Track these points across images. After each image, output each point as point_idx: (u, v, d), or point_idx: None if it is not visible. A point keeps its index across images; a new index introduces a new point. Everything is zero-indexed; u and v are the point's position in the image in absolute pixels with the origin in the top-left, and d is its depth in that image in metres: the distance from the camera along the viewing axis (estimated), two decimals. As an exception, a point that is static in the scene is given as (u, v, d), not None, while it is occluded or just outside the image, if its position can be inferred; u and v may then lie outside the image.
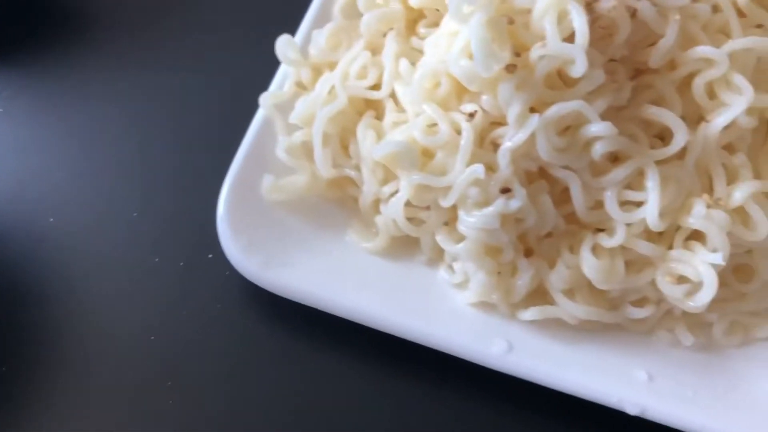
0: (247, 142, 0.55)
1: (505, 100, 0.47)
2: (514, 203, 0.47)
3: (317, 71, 0.58)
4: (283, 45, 0.58)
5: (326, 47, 0.58)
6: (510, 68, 0.46)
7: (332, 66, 0.57)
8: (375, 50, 0.56)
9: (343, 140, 0.56)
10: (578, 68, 0.45)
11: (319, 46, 0.58)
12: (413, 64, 0.54)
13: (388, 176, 0.53)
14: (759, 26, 0.51)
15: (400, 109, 0.53)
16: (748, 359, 0.51)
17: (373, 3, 0.58)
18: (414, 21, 0.57)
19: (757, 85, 0.50)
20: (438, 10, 0.55)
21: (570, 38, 0.46)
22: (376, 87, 0.55)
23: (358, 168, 0.55)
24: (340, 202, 0.57)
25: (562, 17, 0.46)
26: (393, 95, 0.54)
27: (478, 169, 0.47)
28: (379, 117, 0.55)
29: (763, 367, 0.51)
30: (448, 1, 0.47)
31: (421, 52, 0.55)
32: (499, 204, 0.47)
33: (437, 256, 0.54)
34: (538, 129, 0.46)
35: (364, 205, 0.55)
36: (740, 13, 0.50)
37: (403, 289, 0.53)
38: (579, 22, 0.45)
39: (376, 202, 0.54)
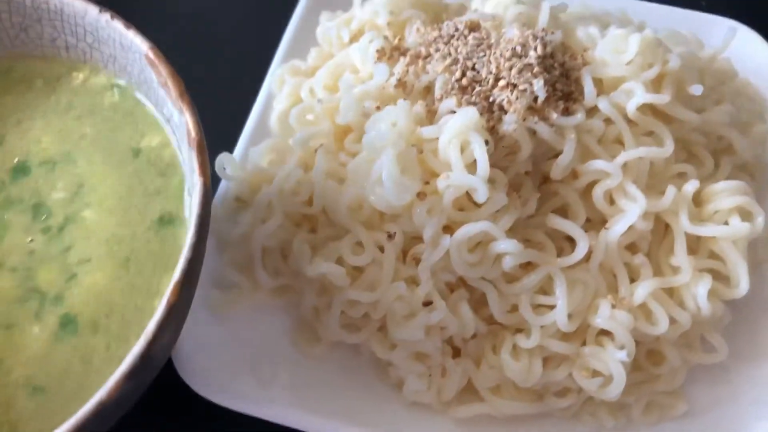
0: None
1: (420, 224, 0.51)
2: (436, 315, 0.52)
3: (255, 186, 0.62)
4: (222, 162, 0.61)
5: (263, 163, 0.62)
6: (421, 195, 0.51)
7: (269, 180, 0.61)
8: (307, 165, 0.61)
9: (283, 250, 0.60)
10: (480, 196, 0.49)
11: (255, 163, 0.62)
12: (341, 181, 0.58)
13: (323, 288, 0.57)
14: (649, 133, 0.56)
15: (330, 223, 0.58)
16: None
17: (303, 119, 0.62)
18: (343, 134, 0.61)
19: (652, 187, 0.55)
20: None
21: (474, 164, 0.51)
22: (309, 201, 0.59)
23: (296, 276, 0.59)
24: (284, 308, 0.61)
25: (464, 146, 0.51)
26: (324, 210, 0.58)
27: (401, 286, 0.52)
28: (314, 229, 0.59)
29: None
30: (364, 138, 0.52)
31: (343, 164, 0.59)
32: (422, 317, 0.52)
33: (374, 358, 0.58)
34: (451, 248, 0.51)
35: (305, 314, 0.59)
36: (632, 123, 0.55)
37: (348, 393, 0.56)
38: (479, 153, 0.50)
39: (315, 310, 0.58)
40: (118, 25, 0.49)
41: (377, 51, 0.60)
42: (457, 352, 0.55)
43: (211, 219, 0.46)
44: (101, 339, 0.45)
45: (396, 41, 0.62)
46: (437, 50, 0.58)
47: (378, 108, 0.57)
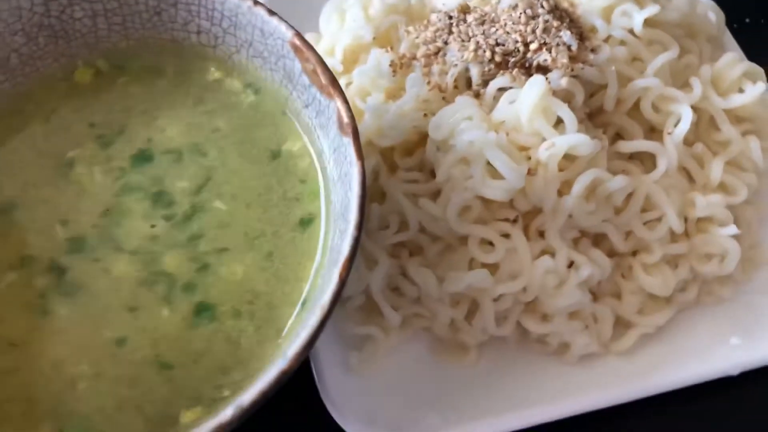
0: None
1: (538, 197, 0.54)
2: (584, 271, 0.55)
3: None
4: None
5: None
6: (530, 172, 0.53)
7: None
8: (373, 199, 0.60)
9: (390, 285, 0.59)
10: (586, 149, 0.53)
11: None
12: (418, 196, 0.58)
13: (456, 299, 0.57)
14: (651, 43, 0.62)
15: (436, 239, 0.58)
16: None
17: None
18: (388, 156, 0.61)
19: (676, 84, 0.62)
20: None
21: (555, 125, 0.54)
22: (402, 228, 0.58)
23: (417, 302, 0.59)
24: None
25: (546, 112, 0.54)
26: (422, 229, 0.58)
27: (546, 261, 0.54)
28: (414, 252, 0.59)
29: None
30: (458, 144, 0.52)
31: (415, 181, 0.59)
32: (573, 278, 0.54)
33: (522, 338, 0.60)
34: (573, 206, 0.54)
35: (441, 331, 0.59)
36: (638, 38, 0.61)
37: (517, 381, 0.58)
38: (567, 114, 0.53)
39: (452, 324, 0.58)
40: (260, 11, 0.50)
41: (390, 65, 0.60)
42: (594, 297, 0.59)
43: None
44: (247, 323, 0.48)
45: (391, 52, 0.63)
46: (446, 42, 0.60)
47: (425, 116, 0.58)
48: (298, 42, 0.49)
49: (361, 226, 0.43)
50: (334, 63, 0.65)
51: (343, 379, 0.56)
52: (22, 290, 0.49)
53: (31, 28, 0.53)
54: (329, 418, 0.55)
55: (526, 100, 0.54)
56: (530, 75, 0.57)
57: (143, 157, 0.53)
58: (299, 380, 0.56)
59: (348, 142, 0.46)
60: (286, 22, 0.50)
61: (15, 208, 0.51)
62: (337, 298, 0.42)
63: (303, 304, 0.48)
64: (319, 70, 0.48)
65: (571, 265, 0.55)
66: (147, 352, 0.46)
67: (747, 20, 0.81)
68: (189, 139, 0.53)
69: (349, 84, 0.64)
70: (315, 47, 0.62)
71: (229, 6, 0.51)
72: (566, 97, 0.57)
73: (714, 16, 0.71)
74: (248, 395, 0.39)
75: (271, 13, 0.50)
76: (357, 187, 0.44)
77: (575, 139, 0.52)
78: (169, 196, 0.51)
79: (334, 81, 0.48)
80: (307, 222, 0.51)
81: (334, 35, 0.66)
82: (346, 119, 0.46)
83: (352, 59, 0.65)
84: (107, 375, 0.46)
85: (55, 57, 0.55)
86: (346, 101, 0.47)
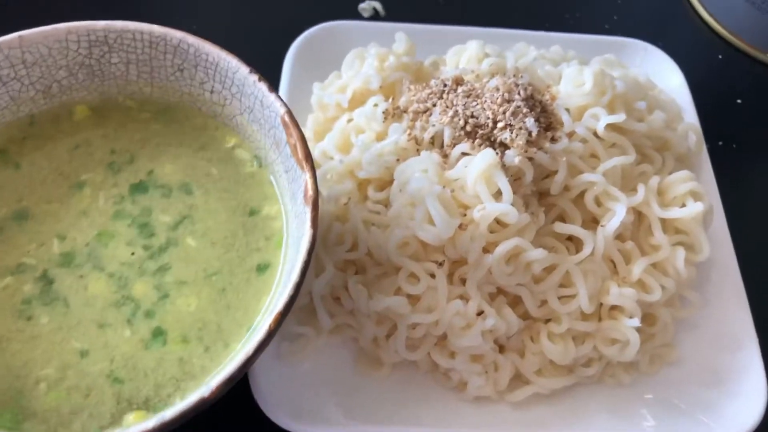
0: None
1: (464, 249, 0.62)
2: (489, 321, 0.63)
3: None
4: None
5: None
6: (462, 226, 0.62)
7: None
8: (338, 218, 0.70)
9: (332, 294, 0.69)
10: (512, 218, 0.61)
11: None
12: (373, 224, 0.68)
13: (380, 319, 0.67)
14: (613, 145, 0.70)
15: (378, 263, 0.67)
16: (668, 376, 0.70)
17: (325, 179, 0.72)
18: (364, 187, 0.71)
19: (624, 187, 0.69)
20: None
21: (497, 194, 0.63)
22: (352, 248, 0.68)
23: (351, 314, 0.68)
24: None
25: (488, 181, 0.63)
26: (369, 253, 0.68)
27: (458, 304, 0.62)
28: (359, 270, 0.69)
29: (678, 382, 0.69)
30: (408, 188, 0.62)
31: (377, 213, 0.69)
32: (478, 325, 0.63)
33: (432, 369, 0.68)
34: (493, 264, 0.62)
35: (364, 345, 0.68)
36: (600, 139, 0.69)
37: (416, 402, 0.66)
38: (504, 185, 0.62)
39: (375, 340, 0.68)
40: (263, 86, 0.58)
41: (384, 112, 0.71)
42: (502, 349, 0.67)
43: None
44: (196, 345, 0.54)
45: (391, 102, 0.73)
46: (434, 105, 0.70)
47: (398, 161, 0.68)
48: (287, 118, 0.56)
49: (299, 286, 0.49)
50: (342, 100, 0.76)
51: (270, 364, 0.66)
52: (12, 294, 0.55)
53: (74, 66, 0.62)
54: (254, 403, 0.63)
55: (474, 166, 0.63)
56: (492, 148, 0.66)
57: (141, 188, 0.60)
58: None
59: (307, 211, 0.52)
60: (281, 99, 0.57)
61: (26, 218, 0.58)
62: (263, 346, 0.48)
63: (253, 330, 0.54)
64: (298, 146, 0.55)
65: (480, 314, 0.64)
66: (104, 366, 0.52)
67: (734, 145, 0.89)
68: (182, 177, 0.61)
69: (350, 120, 0.75)
70: (335, 84, 0.75)
71: (239, 77, 0.59)
72: (517, 173, 0.66)
73: (693, 137, 0.78)
74: (169, 412, 0.45)
75: (271, 89, 0.58)
76: (304, 252, 0.50)
77: (504, 208, 0.61)
78: (152, 228, 0.58)
79: (308, 157, 0.55)
80: (263, 268, 0.57)
81: (351, 78, 0.77)
82: (310, 191, 0.53)
83: (359, 100, 0.75)
84: (66, 382, 0.51)
85: (89, 91, 0.64)
86: (314, 176, 0.54)
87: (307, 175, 0.54)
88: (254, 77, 0.59)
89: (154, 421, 0.45)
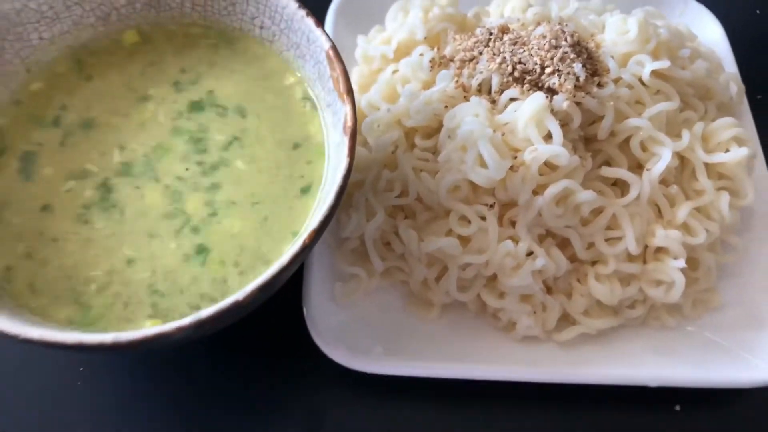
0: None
1: (515, 191, 0.64)
2: (539, 262, 0.64)
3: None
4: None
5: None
6: (513, 168, 0.64)
7: (358, 184, 0.72)
8: (386, 165, 0.72)
9: (383, 238, 0.71)
10: (563, 160, 0.63)
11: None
12: (422, 171, 0.69)
13: (431, 261, 0.68)
14: (658, 92, 0.71)
15: (427, 208, 0.69)
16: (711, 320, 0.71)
17: (372, 128, 0.73)
18: (411, 135, 0.73)
19: (669, 133, 0.70)
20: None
21: (547, 137, 0.64)
22: (402, 194, 0.70)
23: (401, 258, 0.70)
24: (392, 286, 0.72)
25: (539, 124, 0.64)
26: (419, 198, 0.69)
27: (508, 244, 0.64)
28: (408, 215, 0.71)
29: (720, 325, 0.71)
30: (459, 131, 0.63)
31: (425, 160, 0.70)
32: (528, 265, 0.64)
33: (481, 310, 0.70)
34: (543, 205, 0.64)
35: (415, 287, 0.70)
36: (645, 86, 0.70)
37: (466, 342, 0.68)
38: (555, 128, 0.63)
39: (425, 282, 0.70)
40: (310, 21, 0.61)
41: (430, 61, 0.72)
42: (549, 291, 0.69)
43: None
44: (231, 269, 0.56)
45: (436, 51, 0.74)
46: (480, 53, 0.71)
47: (446, 108, 0.69)
48: (332, 53, 0.59)
49: (334, 208, 0.52)
50: (388, 51, 0.77)
51: (326, 306, 0.68)
52: (74, 198, 0.58)
53: (133, -4, 0.65)
54: (309, 337, 0.66)
55: (525, 110, 0.64)
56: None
57: (198, 106, 0.63)
58: (290, 302, 0.68)
59: (345, 140, 0.55)
60: (326, 34, 0.60)
61: (92, 127, 0.61)
62: (298, 258, 0.50)
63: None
64: (341, 79, 0.58)
65: (530, 254, 0.65)
66: (145, 276, 0.55)
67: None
68: (239, 100, 0.63)
69: (395, 71, 0.76)
70: (378, 37, 0.76)
71: (288, 12, 0.62)
72: (565, 118, 0.67)
73: (735, 87, 0.79)
74: (205, 312, 0.47)
75: (318, 24, 0.61)
76: (340, 178, 0.53)
77: (555, 150, 0.62)
78: (205, 144, 0.61)
79: (349, 90, 0.57)
80: (305, 190, 0.59)
81: (395, 30, 0.78)
82: (349, 123, 0.56)
83: (404, 51, 0.77)
84: (112, 287, 0.54)
85: (143, 20, 0.67)
86: (354, 108, 0.56)
87: (348, 108, 0.56)
88: (303, 12, 0.61)
89: (190, 318, 0.47)
